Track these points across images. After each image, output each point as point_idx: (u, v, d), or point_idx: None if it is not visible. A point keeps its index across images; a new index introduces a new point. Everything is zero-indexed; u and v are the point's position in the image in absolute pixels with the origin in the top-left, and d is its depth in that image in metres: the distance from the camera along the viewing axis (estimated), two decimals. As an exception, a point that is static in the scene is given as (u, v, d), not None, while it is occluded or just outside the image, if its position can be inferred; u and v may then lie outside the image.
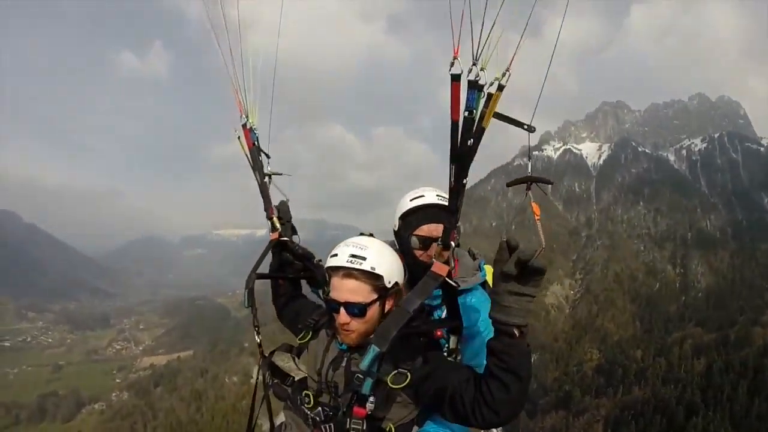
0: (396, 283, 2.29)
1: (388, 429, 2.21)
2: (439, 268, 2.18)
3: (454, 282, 2.25)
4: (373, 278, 2.22)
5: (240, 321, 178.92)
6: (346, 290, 2.22)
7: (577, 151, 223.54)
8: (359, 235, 2.46)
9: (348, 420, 2.17)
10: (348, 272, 2.21)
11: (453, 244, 2.21)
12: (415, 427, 2.37)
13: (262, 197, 3.12)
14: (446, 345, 2.40)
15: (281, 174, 3.16)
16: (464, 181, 2.06)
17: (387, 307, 2.30)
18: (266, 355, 2.78)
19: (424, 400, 2.19)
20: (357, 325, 2.26)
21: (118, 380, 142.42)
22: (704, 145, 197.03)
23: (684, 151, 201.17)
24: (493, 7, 1.75)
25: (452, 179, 2.06)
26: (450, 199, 2.15)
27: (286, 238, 3.06)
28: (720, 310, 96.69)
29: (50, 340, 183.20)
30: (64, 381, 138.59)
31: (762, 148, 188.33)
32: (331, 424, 2.24)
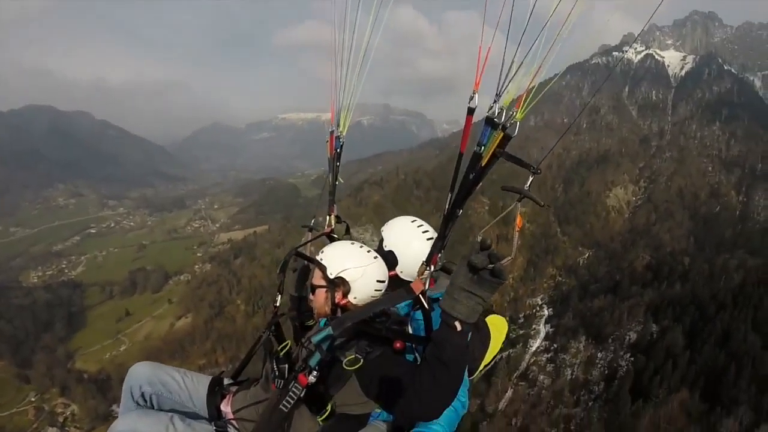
0: (339, 277, 2.72)
1: (329, 405, 2.49)
2: (416, 285, 2.40)
3: (434, 303, 2.44)
4: (321, 266, 2.78)
5: (310, 199, 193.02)
6: (314, 271, 2.87)
7: (659, 58, 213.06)
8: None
9: (292, 383, 2.48)
10: (315, 259, 2.85)
11: (432, 267, 2.40)
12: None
13: (330, 197, 3.74)
14: (414, 358, 2.58)
15: (344, 222, 3.75)
16: (458, 212, 2.18)
17: (337, 298, 2.74)
18: (277, 313, 3.27)
19: (372, 388, 2.42)
20: (313, 301, 2.84)
21: (199, 254, 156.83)
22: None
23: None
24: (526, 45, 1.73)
25: (448, 207, 2.18)
26: (441, 226, 2.30)
27: (335, 235, 3.65)
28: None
29: (132, 224, 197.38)
30: (149, 258, 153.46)
31: None
32: (282, 382, 2.58)
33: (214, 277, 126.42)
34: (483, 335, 3.03)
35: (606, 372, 65.03)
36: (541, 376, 70.47)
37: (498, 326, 3.17)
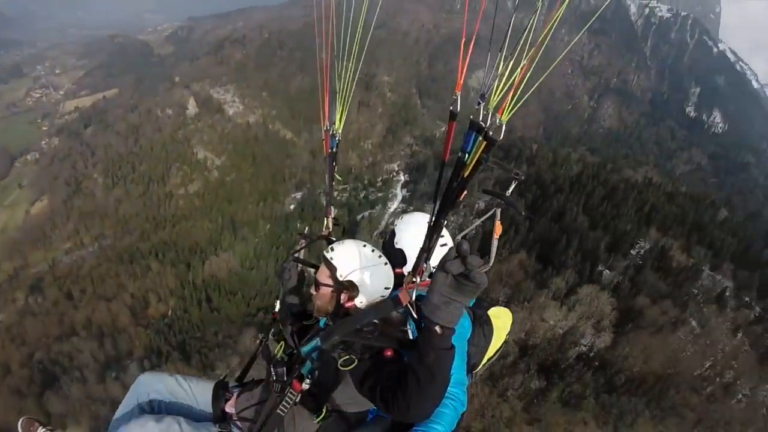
0: (349, 281, 2.68)
1: (325, 407, 2.55)
2: (403, 296, 2.33)
3: (421, 312, 2.22)
4: (331, 266, 2.72)
5: (165, 57, 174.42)
6: (320, 268, 2.83)
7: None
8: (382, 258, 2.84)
9: (287, 388, 2.56)
10: (323, 256, 2.79)
11: (419, 278, 2.36)
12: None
13: (327, 198, 3.65)
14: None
15: (340, 224, 3.67)
16: (443, 221, 2.12)
17: (342, 299, 2.71)
18: (277, 319, 3.26)
19: (365, 388, 2.41)
20: (315, 298, 2.82)
21: (44, 128, 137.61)
22: (669, 15, 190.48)
23: (647, 9, 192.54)
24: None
25: (432, 217, 2.13)
26: (426, 237, 2.25)
27: (333, 238, 3.51)
28: (610, 149, 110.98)
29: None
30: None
31: (715, 49, 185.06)
32: (279, 386, 2.64)
33: (66, 151, 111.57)
34: (486, 329, 3.02)
35: (457, 233, 68.72)
36: (398, 234, 74.24)
37: (502, 318, 3.12)
